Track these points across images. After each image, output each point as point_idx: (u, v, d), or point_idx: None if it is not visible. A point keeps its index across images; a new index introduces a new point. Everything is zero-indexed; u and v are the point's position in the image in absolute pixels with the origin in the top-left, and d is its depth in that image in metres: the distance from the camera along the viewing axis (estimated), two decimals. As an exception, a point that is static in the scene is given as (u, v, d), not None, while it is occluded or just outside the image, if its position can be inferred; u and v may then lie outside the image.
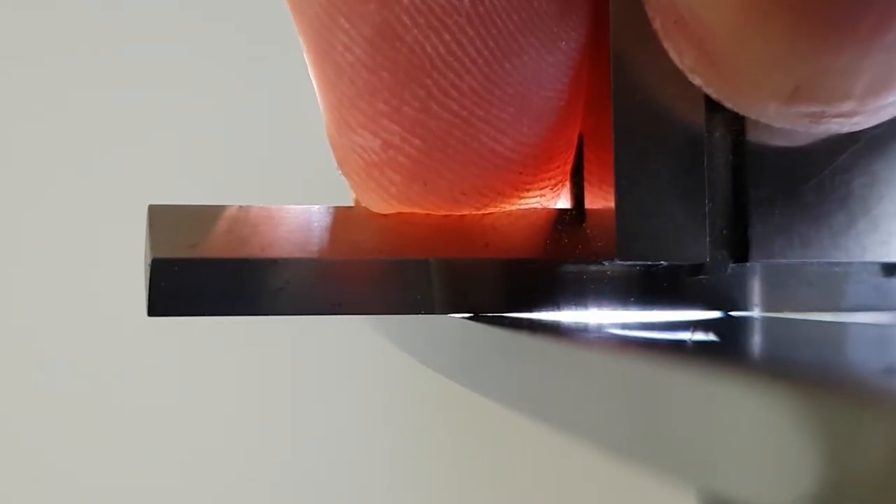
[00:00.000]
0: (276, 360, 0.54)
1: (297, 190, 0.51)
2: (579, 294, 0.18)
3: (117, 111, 0.53)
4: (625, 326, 0.18)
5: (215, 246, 0.17)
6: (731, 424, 0.10)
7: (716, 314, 0.19)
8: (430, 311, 0.18)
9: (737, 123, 0.17)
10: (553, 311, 0.18)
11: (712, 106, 0.17)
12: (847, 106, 0.15)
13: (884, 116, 0.15)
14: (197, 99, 0.54)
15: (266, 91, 0.54)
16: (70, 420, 0.53)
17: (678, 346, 0.14)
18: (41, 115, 0.53)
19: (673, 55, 0.16)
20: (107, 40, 0.54)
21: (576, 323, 0.18)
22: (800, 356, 0.14)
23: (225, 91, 0.54)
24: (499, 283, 0.18)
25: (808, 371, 0.11)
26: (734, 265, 0.18)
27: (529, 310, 0.18)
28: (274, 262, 0.17)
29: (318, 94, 0.18)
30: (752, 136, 0.17)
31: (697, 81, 0.16)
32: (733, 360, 0.13)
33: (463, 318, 0.18)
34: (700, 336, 0.16)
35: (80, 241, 0.53)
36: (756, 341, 0.16)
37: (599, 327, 0.18)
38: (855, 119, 0.15)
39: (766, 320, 0.19)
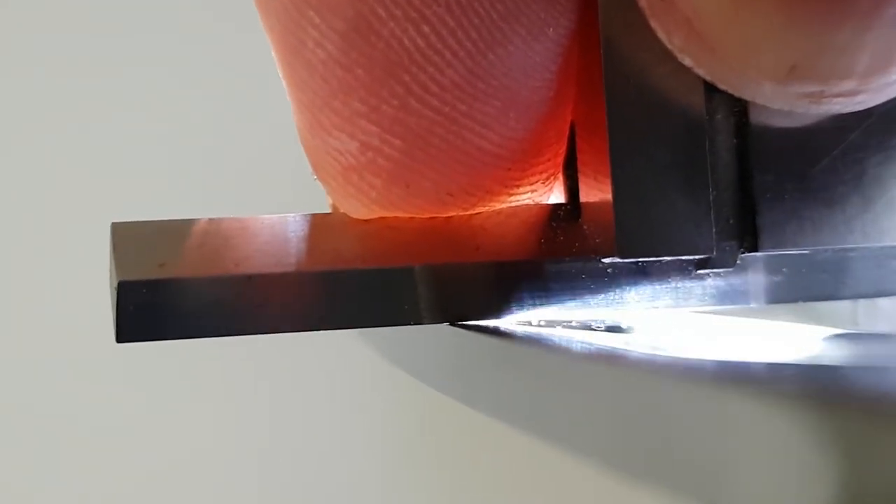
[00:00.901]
0: (256, 376, 0.53)
1: (270, 198, 0.50)
2: (578, 295, 0.18)
3: (80, 119, 0.53)
4: (628, 330, 0.18)
5: (186, 264, 0.17)
6: (743, 440, 0.10)
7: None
8: (418, 321, 0.18)
9: (739, 104, 0.17)
10: (550, 315, 0.18)
11: (712, 86, 0.16)
12: (848, 84, 0.14)
13: (890, 94, 0.15)
14: (159, 103, 0.54)
15: (232, 93, 0.54)
16: (40, 432, 0.53)
17: (686, 355, 0.14)
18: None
19: (661, 35, 0.16)
20: (66, 50, 0.54)
21: (575, 328, 0.18)
22: (815, 367, 0.14)
23: (188, 94, 0.54)
24: (491, 288, 0.18)
25: (824, 384, 0.11)
26: (743, 256, 0.17)
27: (524, 315, 0.18)
28: (250, 279, 0.17)
29: (288, 95, 0.18)
30: (756, 116, 0.17)
31: (688, 62, 0.16)
32: (746, 371, 0.13)
33: (454, 327, 0.18)
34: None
35: (40, 257, 0.53)
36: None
37: (600, 332, 0.18)
38: (858, 98, 0.15)
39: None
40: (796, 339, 0.19)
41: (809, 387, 0.11)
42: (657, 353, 0.16)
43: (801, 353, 0.17)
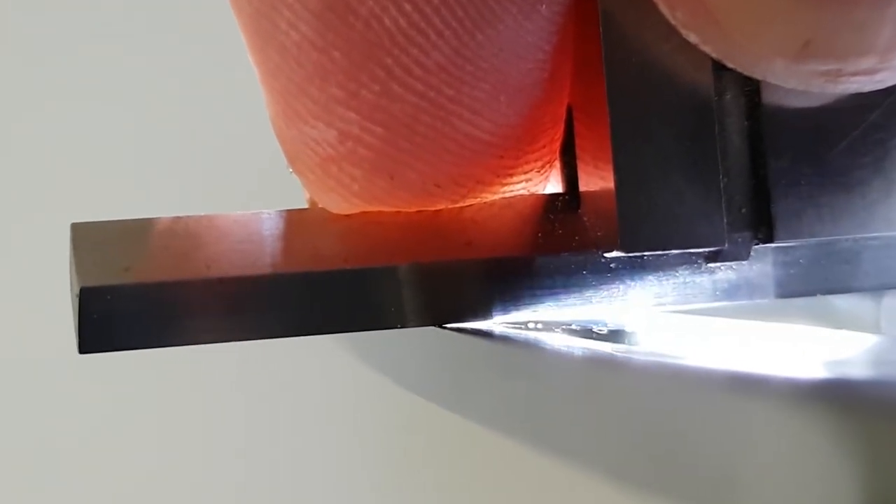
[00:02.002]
0: (230, 387, 0.53)
1: (241, 194, 0.50)
2: (578, 293, 0.18)
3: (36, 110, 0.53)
4: (632, 334, 0.18)
5: (152, 267, 0.17)
6: (758, 449, 0.10)
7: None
8: (404, 324, 0.18)
9: (750, 83, 0.17)
10: (548, 315, 0.18)
11: (721, 64, 0.16)
12: (867, 62, 0.14)
13: None
14: (117, 92, 0.53)
15: (198, 79, 0.53)
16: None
17: (695, 361, 0.14)
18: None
19: (664, 9, 0.16)
20: (24, 44, 0.53)
21: (575, 331, 0.18)
22: (835, 372, 0.14)
23: (149, 82, 0.54)
24: (483, 287, 0.18)
25: (845, 390, 0.11)
26: (758, 247, 0.17)
27: (520, 316, 0.18)
28: (222, 282, 0.17)
29: (260, 81, 0.18)
30: (769, 96, 0.17)
31: (693, 38, 0.15)
32: (760, 377, 0.13)
33: (443, 330, 0.18)
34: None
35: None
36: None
37: (602, 336, 0.18)
38: (879, 76, 0.15)
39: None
40: (813, 342, 0.19)
41: (829, 392, 0.11)
42: (663, 358, 0.16)
43: (818, 358, 0.17)
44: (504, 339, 0.17)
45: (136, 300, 0.16)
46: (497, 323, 0.18)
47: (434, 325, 0.18)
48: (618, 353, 0.16)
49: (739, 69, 0.16)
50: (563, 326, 0.18)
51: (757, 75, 0.16)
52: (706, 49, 0.16)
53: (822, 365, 0.16)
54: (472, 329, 0.18)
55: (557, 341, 0.17)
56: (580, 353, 0.16)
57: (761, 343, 0.19)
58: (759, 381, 0.12)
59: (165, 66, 0.54)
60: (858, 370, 0.15)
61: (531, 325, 0.18)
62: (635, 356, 0.16)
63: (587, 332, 0.18)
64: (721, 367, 0.14)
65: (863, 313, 0.20)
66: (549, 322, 0.18)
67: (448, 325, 0.18)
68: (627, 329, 0.19)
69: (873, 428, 0.09)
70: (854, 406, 0.09)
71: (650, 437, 0.12)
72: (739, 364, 0.15)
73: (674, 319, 0.20)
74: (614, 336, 0.18)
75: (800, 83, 0.15)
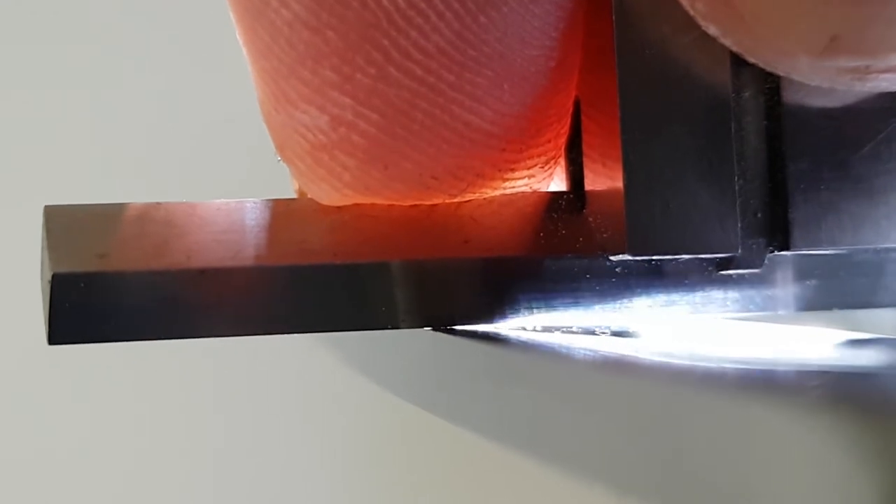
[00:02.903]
0: (202, 388, 0.53)
1: (226, 181, 0.50)
2: (581, 298, 0.18)
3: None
4: (635, 334, 0.18)
5: (130, 255, 0.17)
6: (772, 453, 0.10)
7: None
8: (396, 325, 0.18)
9: (771, 80, 0.17)
10: (550, 320, 0.18)
11: (739, 59, 0.16)
12: None
13: None
14: (95, 73, 0.53)
15: (182, 58, 0.53)
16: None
17: (706, 370, 0.14)
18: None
19: None
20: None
21: (576, 332, 0.18)
22: (850, 373, 0.14)
23: (127, 62, 0.53)
24: (480, 288, 0.18)
25: (861, 391, 0.11)
26: (772, 255, 0.17)
27: (518, 320, 0.18)
28: (203, 273, 0.17)
29: (249, 63, 0.18)
30: (790, 95, 0.17)
31: (713, 30, 0.15)
32: (773, 378, 0.13)
33: (437, 332, 0.18)
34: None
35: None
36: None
37: (605, 337, 0.18)
38: None
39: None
40: (827, 343, 0.18)
41: (844, 394, 0.11)
42: (670, 359, 0.16)
43: (832, 358, 0.17)
44: (501, 341, 0.17)
45: (112, 289, 0.16)
46: (494, 326, 0.18)
47: (427, 327, 0.18)
48: (622, 354, 0.16)
49: (762, 64, 0.16)
50: (564, 329, 0.18)
51: (780, 71, 0.16)
52: (726, 42, 0.15)
53: (839, 368, 0.16)
54: (467, 331, 0.18)
55: (558, 343, 0.17)
56: (582, 355, 0.16)
57: (774, 344, 0.19)
58: (773, 383, 0.12)
59: (148, 46, 0.54)
60: (878, 374, 0.15)
61: (530, 327, 0.18)
62: (641, 357, 0.16)
63: (589, 332, 0.18)
64: (732, 368, 0.14)
65: (881, 313, 0.20)
66: (549, 326, 0.18)
67: (442, 327, 0.18)
68: (630, 330, 0.19)
69: (894, 434, 0.08)
70: (873, 411, 0.09)
71: (657, 444, 0.12)
72: (752, 366, 0.15)
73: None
74: (618, 336, 0.18)
75: (825, 80, 0.15)
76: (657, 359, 0.16)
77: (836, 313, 0.19)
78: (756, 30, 0.15)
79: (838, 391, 0.11)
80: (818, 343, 0.18)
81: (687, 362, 0.15)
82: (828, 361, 0.16)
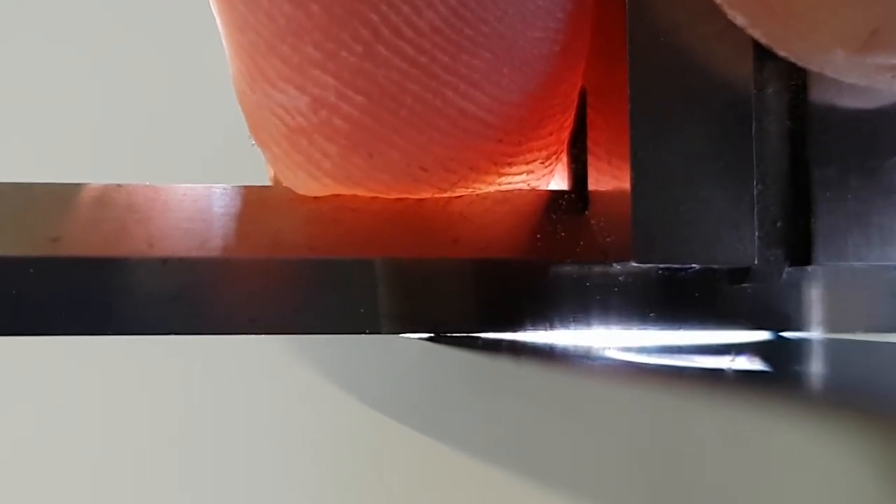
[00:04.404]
0: (165, 395, 0.53)
1: (193, 164, 0.50)
2: (581, 307, 0.18)
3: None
4: (641, 350, 0.17)
5: (85, 240, 0.16)
6: (783, 471, 0.10)
7: (763, 335, 0.19)
8: (375, 329, 0.17)
9: (797, 76, 0.17)
10: (545, 330, 0.18)
11: (763, 52, 0.16)
12: None
13: None
14: (54, 47, 0.53)
15: (147, 33, 0.53)
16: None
17: (714, 375, 0.14)
18: None
19: None
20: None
21: (575, 345, 0.18)
22: (876, 387, 0.14)
23: (89, 36, 0.53)
24: (471, 293, 0.18)
25: (887, 400, 0.11)
26: (791, 269, 0.17)
27: (512, 328, 0.18)
28: (165, 263, 0.16)
29: (223, 37, 0.18)
30: (818, 93, 0.17)
31: (740, 20, 0.15)
32: (787, 392, 0.13)
33: (421, 339, 0.18)
34: (742, 363, 0.16)
35: None
36: (816, 369, 0.16)
37: (607, 351, 0.18)
38: None
39: (828, 343, 0.19)
40: (841, 345, 0.18)
41: (860, 404, 0.11)
42: (671, 362, 0.16)
43: (847, 364, 0.17)
44: (489, 349, 0.17)
45: (64, 277, 0.16)
46: (484, 333, 0.18)
47: (408, 333, 0.18)
48: (632, 362, 0.16)
49: (792, 58, 0.15)
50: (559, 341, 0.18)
51: (813, 66, 0.15)
52: (754, 33, 0.15)
53: (852, 372, 0.16)
54: (453, 338, 0.18)
55: (557, 349, 0.17)
56: (585, 362, 0.16)
57: (780, 345, 0.19)
58: (779, 390, 0.12)
59: (115, 21, 0.54)
60: (887, 377, 0.15)
61: (523, 337, 0.18)
62: (653, 365, 0.16)
63: (588, 346, 0.18)
64: (734, 372, 0.14)
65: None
66: (545, 335, 0.18)
67: (426, 334, 0.18)
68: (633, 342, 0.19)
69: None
70: (891, 421, 0.09)
71: (658, 450, 0.12)
72: (756, 370, 0.15)
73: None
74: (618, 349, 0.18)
75: (862, 78, 0.15)
76: (664, 366, 0.15)
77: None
78: (788, 21, 0.15)
79: (851, 400, 0.11)
80: (828, 344, 0.18)
81: (697, 370, 0.15)
82: (840, 366, 0.16)
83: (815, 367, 0.16)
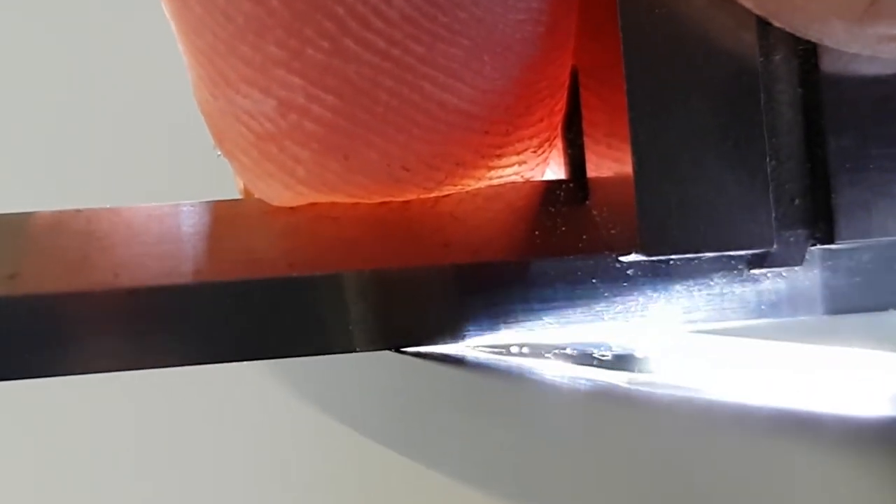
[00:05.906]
0: (148, 423, 0.54)
1: (156, 180, 0.50)
2: (587, 307, 0.18)
3: None
4: (642, 360, 0.18)
5: (45, 274, 0.16)
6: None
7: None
8: (363, 346, 0.17)
9: (805, 41, 0.16)
10: (545, 335, 0.18)
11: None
12: None
13: None
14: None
15: (104, 41, 0.54)
16: None
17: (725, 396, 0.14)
18: None
19: None
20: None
21: (571, 356, 0.18)
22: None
23: (44, 45, 0.54)
24: (466, 301, 0.18)
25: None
26: (814, 249, 0.17)
27: (510, 336, 0.18)
28: (133, 294, 0.16)
29: (179, 41, 0.17)
30: (829, 60, 0.17)
31: None
32: (810, 418, 0.13)
33: (406, 355, 0.18)
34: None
35: None
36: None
37: (605, 363, 0.17)
38: None
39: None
40: (875, 370, 0.18)
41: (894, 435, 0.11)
42: (684, 392, 0.16)
43: (882, 390, 0.17)
44: (480, 367, 0.17)
45: (23, 317, 0.16)
46: (472, 347, 0.18)
47: (396, 349, 0.18)
48: (625, 386, 0.16)
49: (789, 29, 0.16)
50: (556, 351, 0.18)
51: (811, 37, 0.16)
52: (748, 5, 0.16)
53: (887, 399, 0.15)
54: (440, 354, 0.18)
55: (548, 370, 0.17)
56: (577, 385, 0.16)
57: (809, 372, 0.19)
58: (806, 420, 0.12)
59: (71, 29, 0.55)
60: None
61: (514, 350, 0.18)
62: (648, 389, 0.16)
63: (586, 359, 0.18)
64: (757, 402, 0.14)
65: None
66: (539, 346, 0.18)
67: (410, 350, 0.18)
68: (637, 354, 0.19)
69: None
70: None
71: (665, 492, 0.12)
72: (781, 399, 0.15)
73: (698, 341, 0.20)
74: (621, 363, 0.18)
75: (864, 48, 0.15)
76: (665, 391, 0.15)
77: (883, 329, 0.19)
78: None
79: (885, 430, 0.11)
80: (862, 368, 0.18)
81: (701, 395, 0.15)
82: (873, 393, 0.16)
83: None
